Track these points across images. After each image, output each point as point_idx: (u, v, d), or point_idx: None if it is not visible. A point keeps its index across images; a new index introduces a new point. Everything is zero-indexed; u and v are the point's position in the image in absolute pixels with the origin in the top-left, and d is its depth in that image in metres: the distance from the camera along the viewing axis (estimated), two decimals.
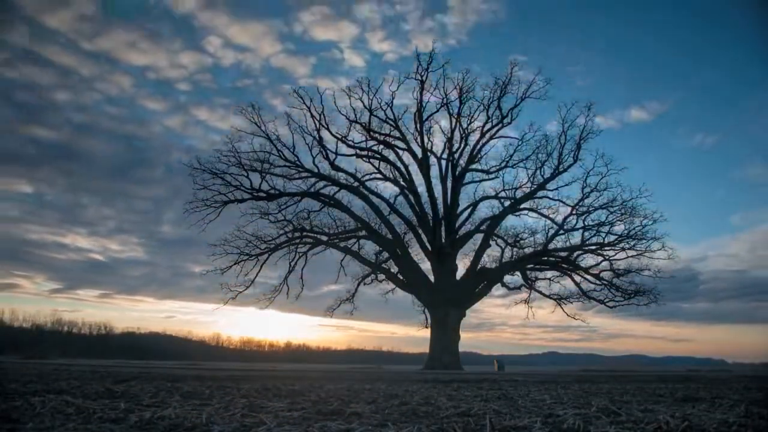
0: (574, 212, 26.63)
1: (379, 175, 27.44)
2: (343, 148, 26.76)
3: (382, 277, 27.94)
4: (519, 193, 27.28)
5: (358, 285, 28.20)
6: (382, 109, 26.34)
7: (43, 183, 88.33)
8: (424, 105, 26.58)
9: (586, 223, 26.65)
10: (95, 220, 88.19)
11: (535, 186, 27.00)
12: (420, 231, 26.87)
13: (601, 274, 26.84)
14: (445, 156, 27.39)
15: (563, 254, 27.12)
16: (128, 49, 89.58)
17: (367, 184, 27.06)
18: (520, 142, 27.08)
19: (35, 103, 79.74)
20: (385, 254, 27.36)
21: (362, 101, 25.87)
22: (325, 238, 26.68)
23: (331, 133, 26.37)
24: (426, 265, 26.84)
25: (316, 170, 26.25)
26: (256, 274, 26.12)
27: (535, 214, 27.55)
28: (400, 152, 27.23)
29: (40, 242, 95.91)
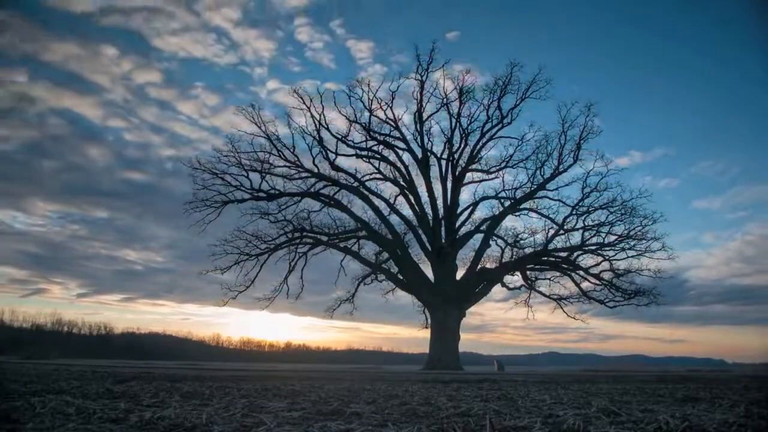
0: (574, 212, 26.64)
1: (379, 176, 27.48)
2: (343, 148, 26.83)
3: (382, 277, 27.93)
4: (519, 193, 27.30)
5: (358, 285, 28.23)
6: (382, 109, 26.42)
7: (117, 210, 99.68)
8: (423, 105, 26.65)
9: (586, 224, 26.66)
10: (152, 238, 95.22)
11: (535, 186, 26.99)
12: (420, 231, 26.86)
13: (601, 275, 26.85)
14: (445, 156, 27.44)
15: (563, 254, 27.10)
16: (232, 126, 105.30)
17: (367, 184, 27.10)
18: (520, 142, 27.13)
19: (140, 157, 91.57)
20: (385, 254, 27.35)
21: (362, 101, 25.94)
22: (325, 239, 26.68)
23: (331, 133, 26.44)
24: (426, 266, 26.87)
25: (316, 170, 26.29)
26: (256, 275, 26.18)
27: (535, 215, 27.57)
28: (400, 152, 27.29)
29: (93, 255, 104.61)
